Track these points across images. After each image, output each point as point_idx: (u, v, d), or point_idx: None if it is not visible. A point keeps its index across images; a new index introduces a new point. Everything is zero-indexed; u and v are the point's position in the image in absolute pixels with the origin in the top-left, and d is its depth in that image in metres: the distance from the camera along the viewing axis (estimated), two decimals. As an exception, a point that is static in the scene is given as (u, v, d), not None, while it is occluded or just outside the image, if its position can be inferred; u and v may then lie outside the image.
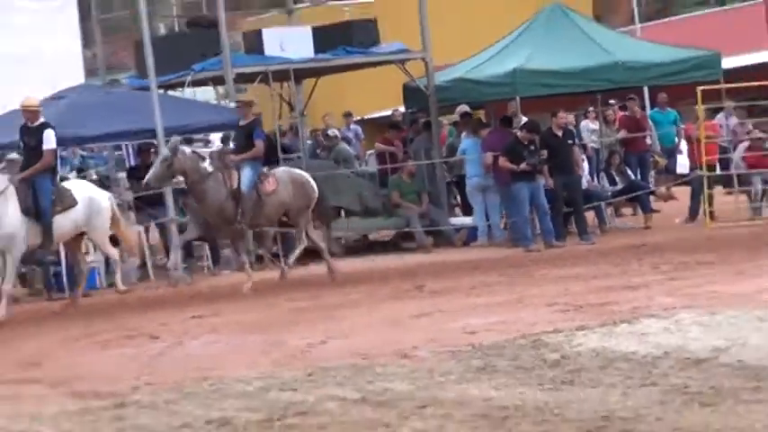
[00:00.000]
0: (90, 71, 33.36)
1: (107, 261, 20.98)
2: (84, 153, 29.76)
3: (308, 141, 26.98)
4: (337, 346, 12.78)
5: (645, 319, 12.45)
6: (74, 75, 30.48)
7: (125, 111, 22.08)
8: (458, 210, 25.05)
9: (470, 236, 23.53)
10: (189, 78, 23.88)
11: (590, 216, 23.54)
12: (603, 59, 23.76)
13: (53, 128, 18.25)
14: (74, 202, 18.05)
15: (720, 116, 26.06)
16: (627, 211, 26.06)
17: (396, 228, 24.06)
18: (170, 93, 23.92)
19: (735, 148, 24.46)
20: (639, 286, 15.52)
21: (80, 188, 18.64)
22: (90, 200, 18.30)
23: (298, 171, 20.28)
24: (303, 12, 29.74)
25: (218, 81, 24.95)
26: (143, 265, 21.95)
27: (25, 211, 17.65)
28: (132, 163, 24.91)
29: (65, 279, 19.96)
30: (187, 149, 19.59)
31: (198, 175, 18.96)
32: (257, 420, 9.23)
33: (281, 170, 20.07)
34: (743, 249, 18.60)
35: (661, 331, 11.74)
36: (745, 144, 24.14)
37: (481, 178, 23.02)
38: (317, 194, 19.65)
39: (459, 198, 25.12)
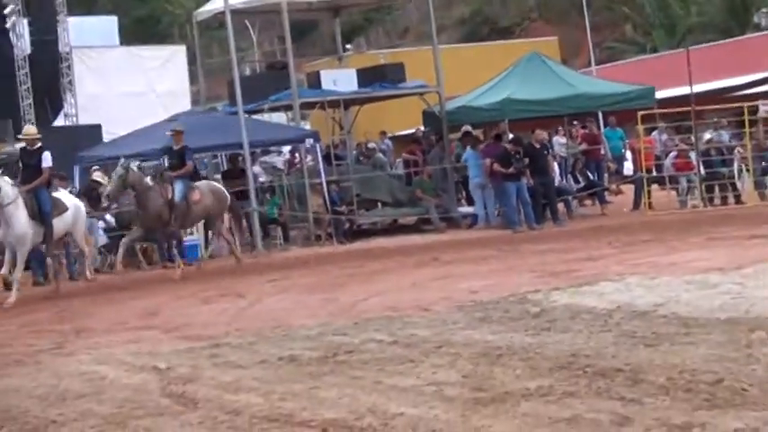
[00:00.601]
0: (195, 101, 33.36)
1: (206, 239, 20.80)
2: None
3: (354, 152, 26.90)
4: (376, 302, 12.62)
5: (602, 282, 12.25)
6: (183, 104, 30.53)
7: (220, 129, 22.11)
8: (464, 201, 24.86)
9: (473, 221, 23.32)
10: (266, 106, 23.91)
11: (561, 206, 23.29)
12: (569, 92, 23.47)
13: (48, 150, 16.88)
14: (65, 208, 17.00)
15: (655, 133, 25.88)
16: (588, 202, 25.86)
17: (418, 214, 23.94)
18: (253, 117, 23.84)
19: (666, 157, 24.29)
20: (598, 258, 15.30)
21: (67, 198, 17.57)
22: (76, 207, 17.34)
23: (215, 184, 19.52)
24: (350, 58, 29.73)
25: (288, 108, 24.91)
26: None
27: (32, 216, 16.40)
28: (225, 167, 24.74)
29: (175, 252, 19.72)
30: (135, 168, 18.32)
31: (143, 188, 17.95)
32: (317, 357, 9.07)
33: (203, 183, 18.97)
34: (674, 231, 18.35)
35: (614, 291, 11.55)
36: (674, 153, 23.99)
37: (480, 179, 22.81)
38: (229, 200, 18.77)
39: (464, 193, 24.93)
